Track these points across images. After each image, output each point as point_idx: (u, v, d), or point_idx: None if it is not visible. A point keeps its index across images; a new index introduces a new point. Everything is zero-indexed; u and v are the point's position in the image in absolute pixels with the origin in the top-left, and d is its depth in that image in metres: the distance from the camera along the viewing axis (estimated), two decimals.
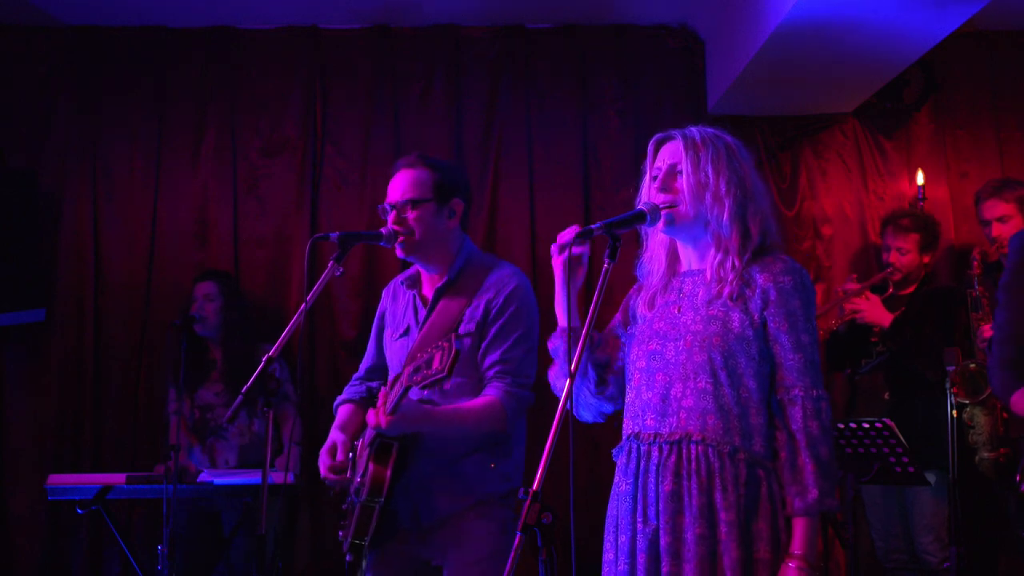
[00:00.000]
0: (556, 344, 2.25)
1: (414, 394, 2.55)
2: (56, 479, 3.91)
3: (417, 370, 2.39)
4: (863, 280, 4.30)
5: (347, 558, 2.70)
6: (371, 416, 2.53)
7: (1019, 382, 2.75)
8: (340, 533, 2.74)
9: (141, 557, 4.11)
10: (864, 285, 4.22)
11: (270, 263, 4.86)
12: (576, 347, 1.99)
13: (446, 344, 2.30)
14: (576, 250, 2.13)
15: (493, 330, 2.73)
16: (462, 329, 2.74)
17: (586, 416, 2.36)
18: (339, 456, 2.77)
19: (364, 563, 2.70)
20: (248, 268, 4.85)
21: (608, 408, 2.34)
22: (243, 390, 2.60)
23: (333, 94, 4.94)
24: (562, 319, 2.22)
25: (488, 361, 2.72)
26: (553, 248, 2.16)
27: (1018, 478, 3.44)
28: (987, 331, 3.87)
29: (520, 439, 2.82)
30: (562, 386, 2.26)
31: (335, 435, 2.83)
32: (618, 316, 2.35)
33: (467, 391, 2.72)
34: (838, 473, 2.11)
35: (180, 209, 4.85)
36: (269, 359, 2.60)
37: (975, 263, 4.02)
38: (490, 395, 2.69)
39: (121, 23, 4.90)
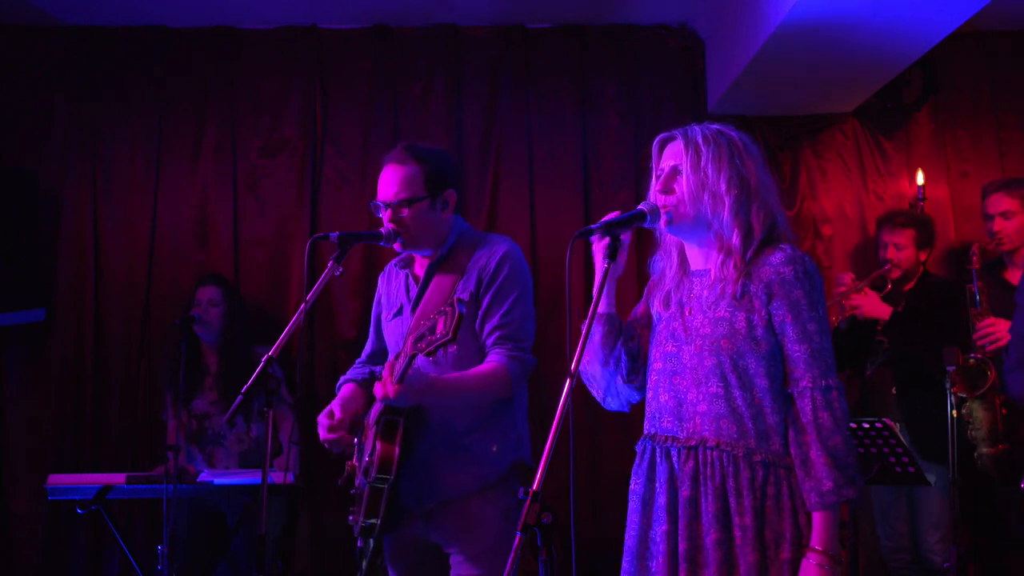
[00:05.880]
0: (593, 330, 2.21)
1: (420, 362, 2.53)
2: (56, 479, 3.91)
3: (420, 338, 2.38)
4: (860, 278, 4.29)
5: (359, 543, 2.68)
6: (378, 388, 2.52)
7: None
8: (350, 519, 2.72)
9: (141, 557, 4.11)
10: (862, 283, 4.21)
11: (270, 263, 4.86)
12: (576, 345, 1.98)
13: (449, 309, 2.30)
14: (623, 237, 2.12)
15: (488, 296, 2.73)
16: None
17: (613, 405, 2.35)
18: (337, 415, 2.71)
19: (374, 545, 2.67)
20: (248, 268, 4.84)
21: (636, 398, 2.33)
22: (243, 390, 2.59)
23: (333, 94, 4.94)
24: (601, 304, 2.20)
25: (487, 328, 2.73)
26: (593, 237, 2.13)
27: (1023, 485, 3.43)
28: (984, 327, 3.86)
29: (522, 404, 2.82)
30: (593, 371, 2.27)
31: (332, 403, 2.78)
32: (641, 308, 2.34)
33: (466, 362, 2.71)
34: (856, 463, 2.08)
35: (180, 209, 4.85)
36: (269, 359, 2.58)
37: (974, 258, 4.01)
38: (493, 361, 2.69)
39: (121, 23, 4.90)
